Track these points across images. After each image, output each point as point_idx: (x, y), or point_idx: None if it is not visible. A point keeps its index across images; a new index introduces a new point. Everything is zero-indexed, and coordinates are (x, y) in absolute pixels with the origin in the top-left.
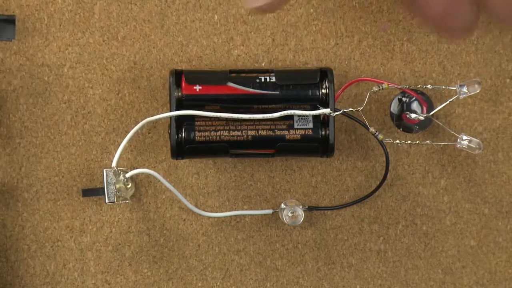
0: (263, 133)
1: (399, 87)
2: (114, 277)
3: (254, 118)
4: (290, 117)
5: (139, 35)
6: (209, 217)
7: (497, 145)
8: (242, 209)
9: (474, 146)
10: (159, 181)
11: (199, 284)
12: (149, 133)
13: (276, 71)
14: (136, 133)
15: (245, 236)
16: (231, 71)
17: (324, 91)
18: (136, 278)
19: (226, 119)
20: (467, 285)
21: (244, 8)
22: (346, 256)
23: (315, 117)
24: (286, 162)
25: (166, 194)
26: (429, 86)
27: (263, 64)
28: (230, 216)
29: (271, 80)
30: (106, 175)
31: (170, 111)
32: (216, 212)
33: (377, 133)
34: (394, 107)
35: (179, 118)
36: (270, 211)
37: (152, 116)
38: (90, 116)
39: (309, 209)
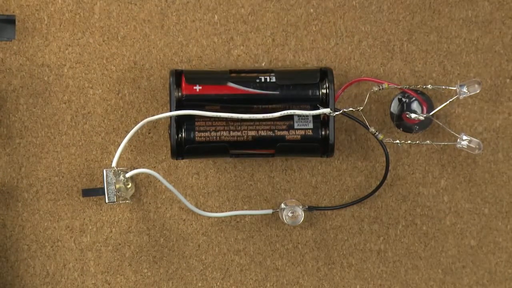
0: (263, 133)
1: (399, 87)
2: (114, 277)
3: (254, 118)
4: (290, 117)
5: (139, 35)
6: (209, 217)
7: (497, 145)
8: (242, 209)
9: (474, 146)
10: (159, 181)
11: (199, 284)
12: (149, 133)
13: (276, 71)
14: (136, 133)
15: (245, 236)
16: (231, 71)
17: (324, 91)
18: (136, 278)
19: (226, 119)
20: (467, 285)
21: None
22: (346, 256)
23: (315, 117)
24: (286, 162)
25: (166, 194)
26: (429, 86)
27: (263, 64)
28: (230, 216)
29: (271, 80)
30: (106, 175)
31: (170, 111)
32: (216, 212)
33: (377, 133)
34: (394, 107)
35: (179, 118)
36: (270, 211)
37: (152, 116)
38: (90, 116)
39: (309, 209)
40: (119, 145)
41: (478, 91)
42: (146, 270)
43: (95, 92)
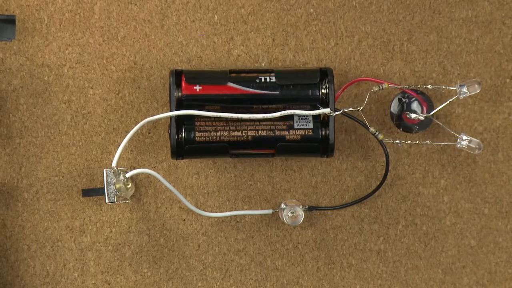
0: (263, 133)
1: (399, 87)
2: (114, 277)
3: (254, 118)
4: (290, 117)
5: (139, 35)
6: (209, 217)
7: (497, 145)
8: (242, 209)
9: (474, 146)
10: (159, 181)
11: (199, 284)
12: (149, 133)
13: (276, 71)
14: (136, 133)
15: (245, 236)
16: (231, 71)
17: (324, 91)
18: (136, 278)
19: (226, 119)
20: (467, 285)
21: None
22: (346, 256)
23: (315, 117)
24: (286, 162)
25: (166, 194)
26: (429, 86)
27: (263, 64)
28: (230, 216)
29: (271, 80)
30: (106, 175)
31: (170, 111)
32: (216, 212)
33: (377, 133)
34: (394, 107)
35: (179, 118)
36: (270, 211)
37: (152, 116)
38: (90, 116)
39: (309, 209)
40: (119, 145)
41: (478, 91)
42: (146, 270)
43: (95, 92)
